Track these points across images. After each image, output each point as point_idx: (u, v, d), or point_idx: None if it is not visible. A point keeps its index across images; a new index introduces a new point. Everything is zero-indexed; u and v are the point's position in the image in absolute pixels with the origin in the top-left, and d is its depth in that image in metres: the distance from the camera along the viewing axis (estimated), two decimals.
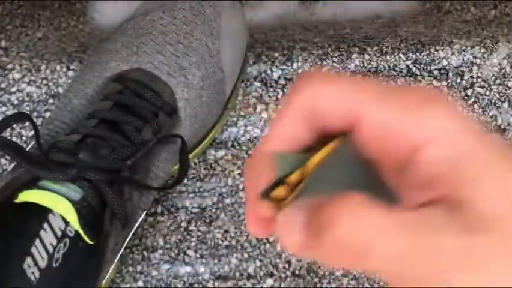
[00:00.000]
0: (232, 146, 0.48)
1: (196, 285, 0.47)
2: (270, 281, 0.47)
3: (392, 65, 0.47)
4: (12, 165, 0.38)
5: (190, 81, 0.41)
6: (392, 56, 0.47)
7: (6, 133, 0.46)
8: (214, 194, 0.47)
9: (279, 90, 0.48)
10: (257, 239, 0.47)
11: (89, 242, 0.35)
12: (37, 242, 0.38)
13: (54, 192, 0.34)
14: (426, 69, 0.47)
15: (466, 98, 0.47)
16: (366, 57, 0.47)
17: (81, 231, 0.35)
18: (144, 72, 0.40)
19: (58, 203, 0.34)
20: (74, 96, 0.41)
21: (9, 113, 0.47)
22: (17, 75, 0.47)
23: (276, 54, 0.48)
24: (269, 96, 0.48)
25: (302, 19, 0.55)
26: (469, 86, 0.47)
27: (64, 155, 0.35)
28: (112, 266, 0.39)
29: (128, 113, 0.39)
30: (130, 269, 0.47)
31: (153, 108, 0.39)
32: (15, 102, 0.47)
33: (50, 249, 0.38)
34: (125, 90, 0.40)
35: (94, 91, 0.40)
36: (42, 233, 0.38)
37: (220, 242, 0.47)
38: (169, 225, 0.47)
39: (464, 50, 0.47)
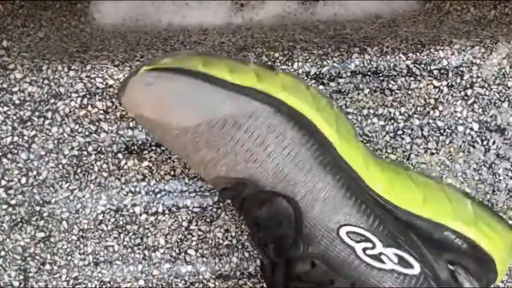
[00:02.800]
0: None
1: (197, 285, 0.47)
2: None
3: (392, 65, 0.47)
4: None
5: None
6: (392, 56, 0.47)
7: (7, 133, 0.46)
8: (215, 193, 0.47)
9: None
10: None
11: None
12: None
13: None
14: (426, 69, 0.47)
15: (465, 97, 0.47)
16: (367, 57, 0.47)
17: None
18: None
19: None
20: None
21: (10, 113, 0.47)
22: (19, 75, 0.47)
23: (277, 54, 0.48)
24: None
25: (302, 19, 0.55)
26: (468, 85, 0.47)
27: None
28: None
29: None
30: (131, 268, 0.47)
31: None
32: (17, 102, 0.47)
33: None
34: None
35: None
36: None
37: (221, 241, 0.47)
38: (170, 225, 0.47)
39: (464, 50, 0.48)
